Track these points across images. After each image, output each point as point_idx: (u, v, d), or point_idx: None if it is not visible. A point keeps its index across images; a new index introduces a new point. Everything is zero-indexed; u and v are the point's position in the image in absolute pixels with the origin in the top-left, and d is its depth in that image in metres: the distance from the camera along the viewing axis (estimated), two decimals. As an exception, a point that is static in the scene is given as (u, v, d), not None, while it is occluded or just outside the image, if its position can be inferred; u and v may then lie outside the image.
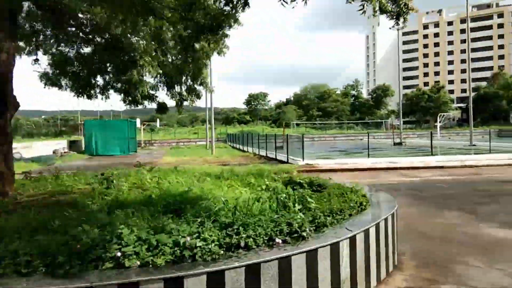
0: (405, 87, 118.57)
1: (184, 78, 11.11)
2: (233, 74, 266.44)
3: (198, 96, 11.17)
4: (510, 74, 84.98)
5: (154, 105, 11.90)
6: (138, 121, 51.49)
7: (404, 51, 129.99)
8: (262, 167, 19.09)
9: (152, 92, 10.77)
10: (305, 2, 5.05)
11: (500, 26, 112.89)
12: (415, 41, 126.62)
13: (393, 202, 5.96)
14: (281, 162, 22.73)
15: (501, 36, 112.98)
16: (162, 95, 19.89)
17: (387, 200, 6.12)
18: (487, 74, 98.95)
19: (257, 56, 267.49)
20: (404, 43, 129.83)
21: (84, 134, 37.97)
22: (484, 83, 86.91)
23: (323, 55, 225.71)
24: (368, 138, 25.25)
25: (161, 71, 10.00)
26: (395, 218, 5.54)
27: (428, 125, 78.64)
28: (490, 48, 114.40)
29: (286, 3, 4.98)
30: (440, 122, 56.27)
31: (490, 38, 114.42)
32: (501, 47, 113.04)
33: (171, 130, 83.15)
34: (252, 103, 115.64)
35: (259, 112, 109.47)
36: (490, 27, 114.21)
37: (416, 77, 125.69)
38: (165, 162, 27.14)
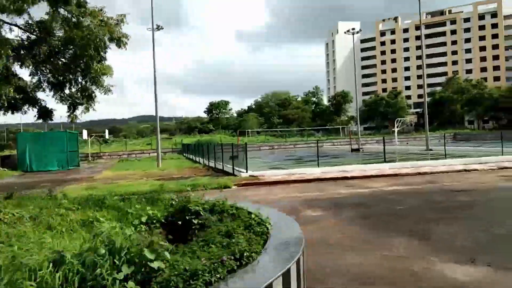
0: (364, 93, 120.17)
1: (72, 76, 8.86)
2: (198, 85, 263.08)
3: (90, 98, 8.92)
4: (463, 79, 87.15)
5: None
6: (84, 132, 48.09)
7: (363, 58, 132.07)
8: (198, 181, 16.98)
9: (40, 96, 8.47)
10: None
11: (453, 32, 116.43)
12: (373, 48, 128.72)
13: (297, 245, 3.97)
14: (228, 174, 20.71)
15: (454, 42, 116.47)
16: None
17: (292, 242, 4.13)
18: (442, 79, 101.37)
19: (222, 67, 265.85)
20: (362, 50, 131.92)
21: (17, 148, 34.45)
22: (439, 88, 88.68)
23: (287, 65, 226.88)
24: (318, 146, 23.55)
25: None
26: (297, 271, 3.56)
27: (387, 131, 79.17)
28: (444, 54, 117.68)
29: None
30: (397, 127, 56.06)
31: (444, 44, 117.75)
32: (454, 53, 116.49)
33: (128, 141, 79.29)
34: (214, 111, 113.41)
35: (221, 121, 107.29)
36: (443, 34, 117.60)
37: (375, 83, 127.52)
38: (103, 177, 24.57)
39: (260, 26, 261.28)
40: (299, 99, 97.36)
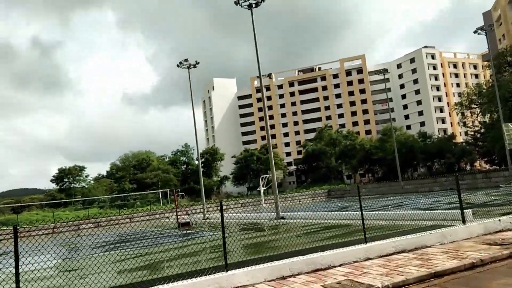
0: (246, 151, 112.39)
1: None
2: (83, 151, 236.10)
3: None
4: (335, 130, 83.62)
5: None
6: None
7: (241, 115, 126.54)
8: None
9: None
10: None
11: (324, 88, 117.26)
12: (250, 105, 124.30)
13: None
14: None
15: (326, 98, 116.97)
16: None
17: None
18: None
19: (108, 129, 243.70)
20: (240, 107, 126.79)
21: None
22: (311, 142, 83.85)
23: (173, 126, 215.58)
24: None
25: None
26: None
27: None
28: (318, 109, 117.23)
29: None
30: (263, 185, 46.40)
31: (317, 100, 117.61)
32: (327, 108, 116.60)
33: None
34: (65, 179, 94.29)
35: (75, 190, 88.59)
36: (316, 90, 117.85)
37: (255, 141, 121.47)
38: None
39: (149, 88, 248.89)
40: (167, 159, 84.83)
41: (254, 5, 26.92)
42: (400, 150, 64.74)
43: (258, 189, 48.48)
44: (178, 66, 35.66)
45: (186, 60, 35.54)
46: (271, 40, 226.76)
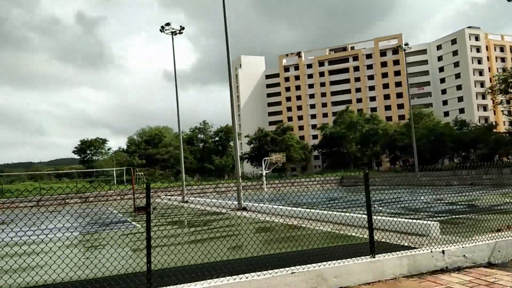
0: (260, 131, 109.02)
1: None
2: (126, 125, 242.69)
3: None
4: (358, 113, 77.99)
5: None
6: None
7: (268, 95, 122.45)
8: None
9: None
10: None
11: (356, 69, 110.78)
12: (277, 84, 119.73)
13: None
14: None
15: (357, 79, 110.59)
16: None
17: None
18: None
19: (148, 106, 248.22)
20: (268, 86, 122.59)
21: None
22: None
23: (209, 103, 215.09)
24: None
25: None
26: None
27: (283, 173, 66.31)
28: (348, 91, 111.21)
29: None
30: (265, 168, 42.99)
31: (347, 81, 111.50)
32: (358, 90, 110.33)
33: None
34: (88, 151, 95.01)
35: (97, 163, 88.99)
36: (347, 70, 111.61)
37: (281, 121, 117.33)
38: None
39: (189, 66, 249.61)
40: (184, 136, 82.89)
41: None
42: (428, 137, 59.17)
43: (260, 171, 45.20)
44: (161, 31, 32.44)
45: (168, 24, 32.13)
46: (311, 21, 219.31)
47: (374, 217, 11.00)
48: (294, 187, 47.80)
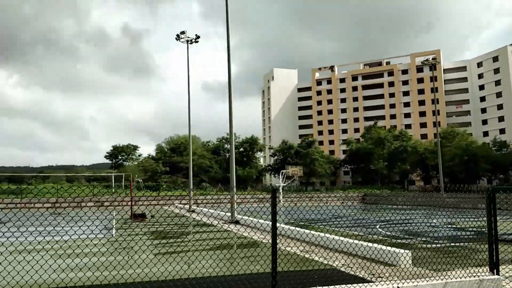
0: (284, 143, 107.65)
1: None
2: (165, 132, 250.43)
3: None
4: (387, 130, 75.29)
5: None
6: None
7: (300, 108, 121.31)
8: None
9: None
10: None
11: (391, 84, 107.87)
12: (309, 97, 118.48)
13: None
14: None
15: (392, 95, 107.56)
16: None
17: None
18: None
19: (185, 115, 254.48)
20: (300, 99, 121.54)
21: None
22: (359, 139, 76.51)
23: (244, 115, 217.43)
24: None
25: None
26: None
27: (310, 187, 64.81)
28: (381, 107, 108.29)
29: None
30: (283, 181, 41.96)
31: (381, 96, 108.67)
32: (392, 106, 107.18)
33: None
34: (119, 157, 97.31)
35: (126, 168, 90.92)
36: (381, 85, 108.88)
37: (311, 135, 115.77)
38: None
39: (225, 78, 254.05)
40: (211, 145, 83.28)
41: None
42: (461, 156, 56.20)
43: (277, 184, 44.12)
44: (176, 39, 32.53)
45: (183, 32, 32.16)
46: (347, 33, 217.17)
47: (349, 240, 9.97)
48: (311, 202, 46.46)
